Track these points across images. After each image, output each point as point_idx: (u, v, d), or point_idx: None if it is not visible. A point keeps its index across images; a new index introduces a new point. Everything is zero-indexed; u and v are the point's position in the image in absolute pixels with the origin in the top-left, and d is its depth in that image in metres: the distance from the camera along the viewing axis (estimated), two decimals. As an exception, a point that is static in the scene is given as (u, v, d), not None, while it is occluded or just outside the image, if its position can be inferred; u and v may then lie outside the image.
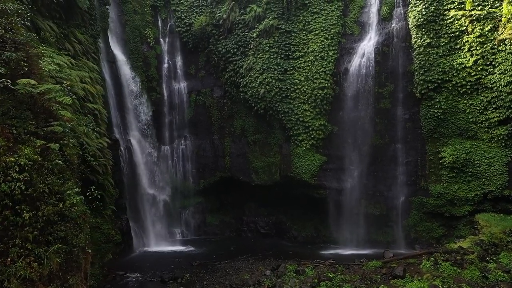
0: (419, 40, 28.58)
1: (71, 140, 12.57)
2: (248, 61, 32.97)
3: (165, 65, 35.66)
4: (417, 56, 28.63)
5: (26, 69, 12.10)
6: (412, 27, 29.05)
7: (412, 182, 29.26)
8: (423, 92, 28.43)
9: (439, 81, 27.96)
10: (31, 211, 10.48)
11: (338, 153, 31.02)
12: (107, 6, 30.75)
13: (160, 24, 35.98)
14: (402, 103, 29.65)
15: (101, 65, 28.39)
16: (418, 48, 28.59)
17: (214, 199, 35.66)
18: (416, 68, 28.66)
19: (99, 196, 14.54)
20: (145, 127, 32.65)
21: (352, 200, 30.80)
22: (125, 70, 31.59)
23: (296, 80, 31.64)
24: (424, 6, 28.48)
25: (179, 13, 35.78)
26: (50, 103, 12.33)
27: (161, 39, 35.86)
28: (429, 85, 28.16)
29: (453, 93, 27.81)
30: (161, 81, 35.09)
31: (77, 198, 11.57)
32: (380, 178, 30.25)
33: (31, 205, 10.55)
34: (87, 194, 13.81)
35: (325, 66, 31.07)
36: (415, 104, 29.21)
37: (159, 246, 29.99)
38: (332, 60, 31.14)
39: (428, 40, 28.23)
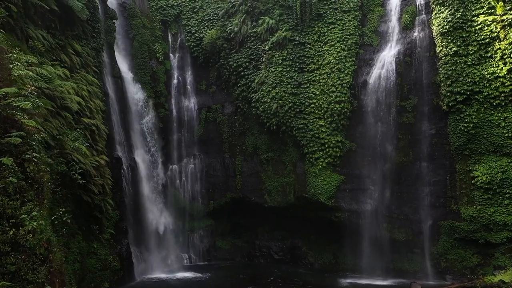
0: (444, 49, 26.29)
1: (35, 154, 10.73)
2: (260, 75, 31.24)
3: (175, 81, 34.27)
4: (443, 66, 26.29)
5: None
6: (436, 35, 26.83)
7: (440, 204, 26.44)
8: (450, 104, 25.93)
9: (468, 93, 25.44)
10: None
11: (357, 172, 28.69)
12: (114, 20, 29.78)
13: (170, 39, 34.83)
14: (427, 117, 27.21)
15: (105, 79, 27.14)
16: (444, 57, 26.28)
17: (225, 221, 33.48)
18: (442, 79, 26.28)
19: (68, 220, 12.61)
20: (152, 145, 31.03)
21: (374, 224, 28.21)
22: (131, 85, 30.28)
23: (311, 94, 29.66)
24: (449, 12, 26.27)
25: (189, 27, 34.59)
26: (11, 111, 10.61)
27: (171, 54, 34.62)
28: (458, 97, 25.65)
29: (485, 106, 25.19)
30: (170, 97, 33.64)
31: (36, 223, 9.65)
32: (405, 199, 27.57)
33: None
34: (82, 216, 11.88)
35: (342, 78, 29.00)
36: (442, 118, 26.72)
37: (163, 272, 27.91)
38: (350, 72, 29.07)
39: (455, 49, 25.90)
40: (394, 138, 27.85)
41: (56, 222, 12.06)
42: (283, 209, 31.02)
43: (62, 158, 16.71)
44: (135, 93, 30.50)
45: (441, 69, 26.42)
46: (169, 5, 34.48)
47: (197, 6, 34.83)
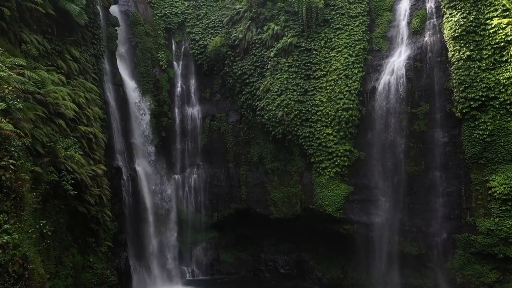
0: (457, 53, 25.18)
1: (13, 161, 9.83)
2: (265, 82, 30.37)
3: (178, 89, 33.54)
4: (455, 71, 25.15)
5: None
6: (448, 40, 25.75)
7: (455, 216, 25.06)
8: (464, 111, 24.72)
9: (483, 99, 24.23)
10: None
11: (366, 182, 27.53)
12: (116, 28, 29.23)
13: (174, 47, 34.21)
14: (440, 125, 26.00)
15: (105, 87, 26.47)
16: (456, 62, 25.15)
17: (229, 233, 32.36)
18: (455, 85, 25.12)
19: (49, 233, 11.63)
20: (154, 154, 30.18)
21: (384, 237, 26.99)
22: (133, 93, 29.59)
23: (317, 101, 28.69)
24: (461, 16, 25.22)
25: (193, 35, 33.98)
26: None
27: (175, 62, 33.95)
28: (472, 103, 24.44)
29: (501, 112, 23.93)
30: (173, 105, 32.89)
31: (8, 237, 8.68)
32: (417, 211, 26.25)
33: None
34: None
35: (349, 85, 27.99)
36: (456, 126, 25.49)
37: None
38: (358, 79, 28.07)
39: (468, 53, 24.78)
40: (405, 147, 26.68)
41: (35, 235, 11.03)
42: (289, 221, 29.94)
43: (53, 167, 15.82)
44: (137, 101, 29.80)
45: (453, 75, 25.29)
46: (173, 12, 33.96)
47: (202, 14, 34.30)
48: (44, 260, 15.70)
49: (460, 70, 24.96)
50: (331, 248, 29.45)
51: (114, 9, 30.39)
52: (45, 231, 11.03)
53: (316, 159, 28.27)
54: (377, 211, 27.28)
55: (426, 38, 27.01)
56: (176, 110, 33.06)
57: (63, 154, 16.13)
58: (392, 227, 26.75)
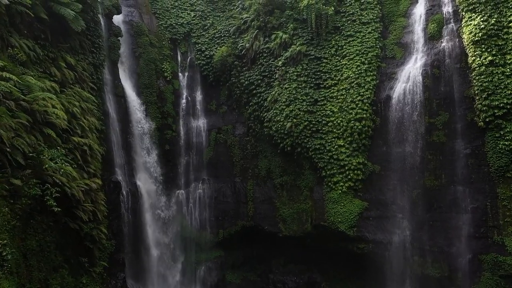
0: (478, 59, 23.54)
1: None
2: (273, 93, 29.01)
3: (183, 101, 32.34)
4: (477, 78, 23.46)
5: None
6: (468, 44, 24.18)
7: (481, 234, 23.02)
8: (488, 120, 22.91)
9: (508, 106, 22.53)
10: None
11: (381, 198, 25.90)
12: (118, 38, 28.36)
13: (179, 58, 33.19)
14: (461, 135, 24.26)
15: (105, 98, 25.43)
16: (478, 68, 23.50)
17: (236, 252, 30.57)
18: (477, 92, 23.41)
19: (9, 256, 10.13)
20: (156, 168, 28.78)
21: (402, 257, 25.35)
22: (135, 105, 28.48)
23: (328, 112, 27.21)
24: (482, 19, 23.68)
25: (199, 45, 32.96)
26: None
27: (180, 74, 32.86)
28: (496, 111, 22.67)
29: (529, 121, 22.02)
30: (177, 117, 31.63)
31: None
32: (438, 229, 24.34)
33: None
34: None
35: (362, 94, 26.47)
36: (478, 136, 23.68)
37: (165, 311, 25.04)
38: (371, 87, 26.58)
39: (490, 58, 23.15)
40: (423, 159, 25.01)
41: (11, 256, 9.57)
42: (300, 239, 28.34)
43: (37, 179, 14.46)
44: (140, 113, 28.62)
45: (475, 81, 23.59)
46: (179, 23, 33.08)
47: (208, 24, 33.38)
48: (25, 284, 14.25)
49: (482, 77, 23.29)
50: (345, 269, 27.74)
51: (117, 19, 29.60)
52: (4, 254, 9.45)
53: (328, 172, 26.64)
54: (394, 228, 25.48)
55: (444, 44, 25.52)
56: (181, 123, 31.80)
57: (49, 166, 14.74)
58: (411, 246, 25.06)
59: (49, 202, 14.50)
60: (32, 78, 15.90)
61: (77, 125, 19.65)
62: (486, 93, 23.05)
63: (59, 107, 17.75)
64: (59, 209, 14.81)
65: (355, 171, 26.05)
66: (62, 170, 15.27)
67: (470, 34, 24.07)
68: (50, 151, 15.07)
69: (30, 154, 14.03)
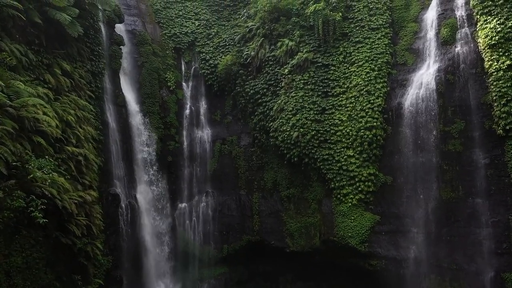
0: (495, 63, 22.31)
1: None
2: (279, 101, 27.98)
3: (187, 111, 31.42)
4: (494, 83, 22.22)
5: None
6: (484, 49, 22.99)
7: (504, 250, 21.42)
8: (508, 128, 21.58)
9: (529, 113, 21.01)
10: None
11: (394, 211, 24.56)
12: (120, 46, 27.68)
13: (183, 67, 32.42)
14: (479, 144, 22.86)
15: (105, 107, 24.61)
16: (495, 73, 22.26)
17: (241, 269, 29.24)
18: (495, 98, 22.13)
19: None
20: (158, 181, 27.74)
21: (418, 275, 23.83)
22: (137, 115, 27.65)
23: (336, 121, 26.12)
24: (498, 22, 22.55)
25: (203, 54, 32.19)
26: None
27: (184, 83, 32.03)
28: (516, 118, 21.23)
29: (552, 128, 20.60)
30: (181, 128, 30.66)
31: None
32: (456, 244, 22.72)
33: None
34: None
35: (372, 101, 25.33)
36: (497, 145, 22.31)
37: (165, 331, 23.67)
38: (381, 95, 25.47)
39: (508, 62, 21.96)
40: (439, 170, 23.62)
41: None
42: (308, 254, 27.10)
43: (23, 191, 13.43)
44: (141, 123, 27.73)
45: (492, 87, 22.31)
46: (183, 32, 32.43)
47: (213, 33, 32.71)
48: (7, 304, 13.14)
49: (500, 82, 22.02)
50: (356, 287, 26.08)
51: (120, 28, 29.03)
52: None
53: (337, 184, 25.39)
54: (408, 244, 24.01)
55: (458, 49, 24.36)
56: (184, 133, 30.84)
57: (35, 176, 13.73)
58: (427, 263, 23.48)
59: (34, 214, 13.42)
60: (22, 84, 15.06)
61: (72, 134, 18.73)
62: (505, 99, 21.72)
63: (52, 115, 16.85)
64: (45, 220, 13.70)
65: (366, 183, 24.74)
66: (49, 181, 14.22)
67: (486, 38, 22.89)
68: (38, 161, 14.08)
69: (14, 163, 13.03)
